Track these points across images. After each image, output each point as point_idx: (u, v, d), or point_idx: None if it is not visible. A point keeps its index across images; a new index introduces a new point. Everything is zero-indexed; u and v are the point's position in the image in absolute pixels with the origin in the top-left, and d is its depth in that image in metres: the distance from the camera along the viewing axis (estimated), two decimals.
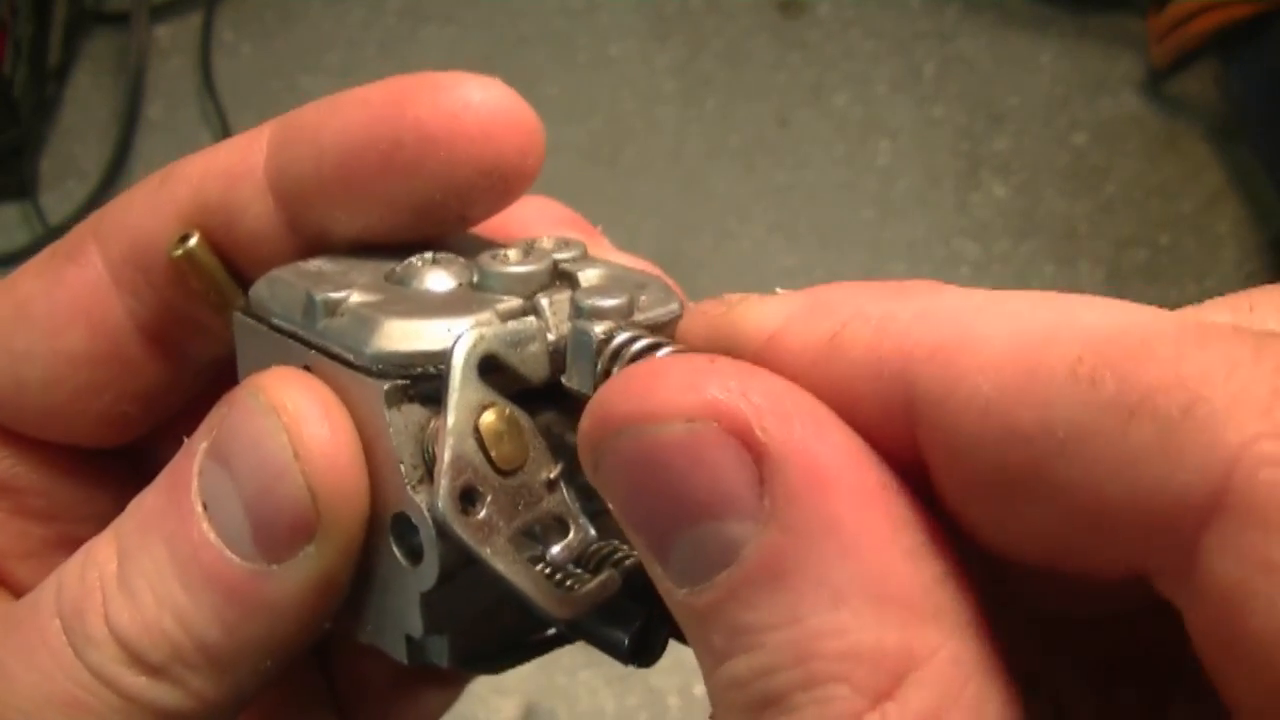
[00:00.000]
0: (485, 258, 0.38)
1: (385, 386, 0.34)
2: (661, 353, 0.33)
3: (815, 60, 1.38)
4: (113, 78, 1.36)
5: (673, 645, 0.36)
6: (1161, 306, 0.28)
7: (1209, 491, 0.23)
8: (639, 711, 1.05)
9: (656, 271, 0.40)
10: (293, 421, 0.34)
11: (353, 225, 0.39)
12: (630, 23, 1.40)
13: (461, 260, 0.39)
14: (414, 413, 0.35)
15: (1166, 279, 1.26)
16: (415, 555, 0.35)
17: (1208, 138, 1.33)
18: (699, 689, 1.06)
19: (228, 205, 0.39)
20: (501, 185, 0.38)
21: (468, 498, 0.34)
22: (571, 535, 0.36)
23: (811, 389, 0.28)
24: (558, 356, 0.36)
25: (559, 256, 0.38)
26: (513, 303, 0.36)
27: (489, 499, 0.34)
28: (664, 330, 0.36)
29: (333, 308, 0.36)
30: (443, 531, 0.34)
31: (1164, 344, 0.24)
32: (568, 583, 0.35)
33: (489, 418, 0.34)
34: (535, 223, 0.43)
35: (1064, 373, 0.25)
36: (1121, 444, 0.24)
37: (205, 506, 0.35)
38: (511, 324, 0.35)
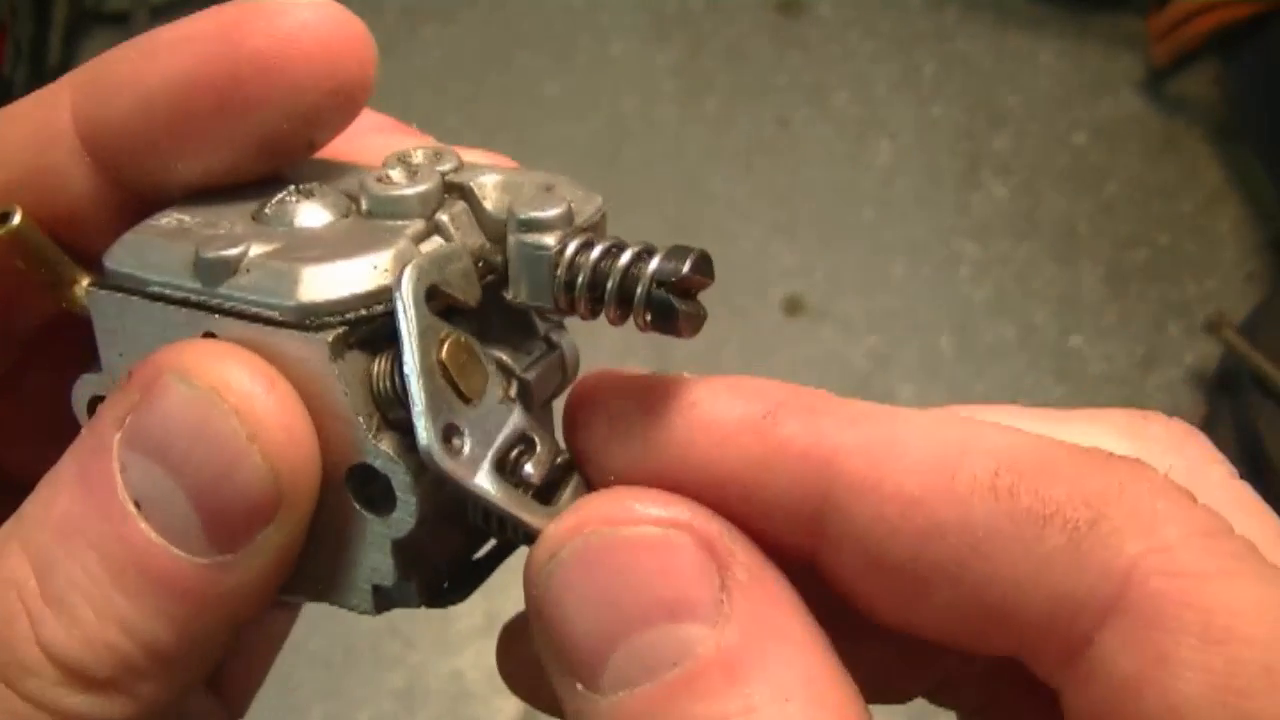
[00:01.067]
0: (370, 181, 0.36)
1: (329, 339, 0.33)
2: (624, 257, 0.33)
3: (815, 60, 1.38)
4: None
5: None
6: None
7: (1109, 594, 0.28)
8: None
9: (513, 164, 0.39)
10: (242, 402, 0.32)
11: (191, 172, 0.37)
12: (630, 23, 1.40)
13: (329, 189, 0.37)
14: (356, 360, 0.34)
15: (1166, 279, 1.26)
16: (377, 505, 0.34)
17: (1208, 138, 1.33)
18: None
19: (39, 175, 0.36)
20: (348, 103, 0.36)
21: (447, 435, 0.33)
22: (540, 450, 0.35)
23: (731, 461, 0.32)
24: (481, 272, 0.36)
25: (441, 169, 0.37)
26: (417, 225, 0.35)
27: (466, 432, 0.34)
28: (598, 228, 0.36)
29: (234, 265, 0.34)
30: (420, 475, 0.33)
31: (1064, 465, 0.29)
32: (548, 498, 0.35)
33: (447, 349, 0.33)
34: (363, 134, 0.41)
35: (985, 482, 0.29)
36: (1035, 548, 0.28)
37: (138, 505, 0.32)
38: (435, 249, 0.35)
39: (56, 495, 0.33)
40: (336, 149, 0.39)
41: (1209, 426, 1.18)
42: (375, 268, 0.33)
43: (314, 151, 0.38)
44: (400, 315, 0.33)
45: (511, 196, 0.36)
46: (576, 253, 0.34)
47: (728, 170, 1.32)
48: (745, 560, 0.31)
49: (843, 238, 1.28)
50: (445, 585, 0.38)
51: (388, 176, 0.36)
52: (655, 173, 1.31)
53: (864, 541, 0.30)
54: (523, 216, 0.34)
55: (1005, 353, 1.23)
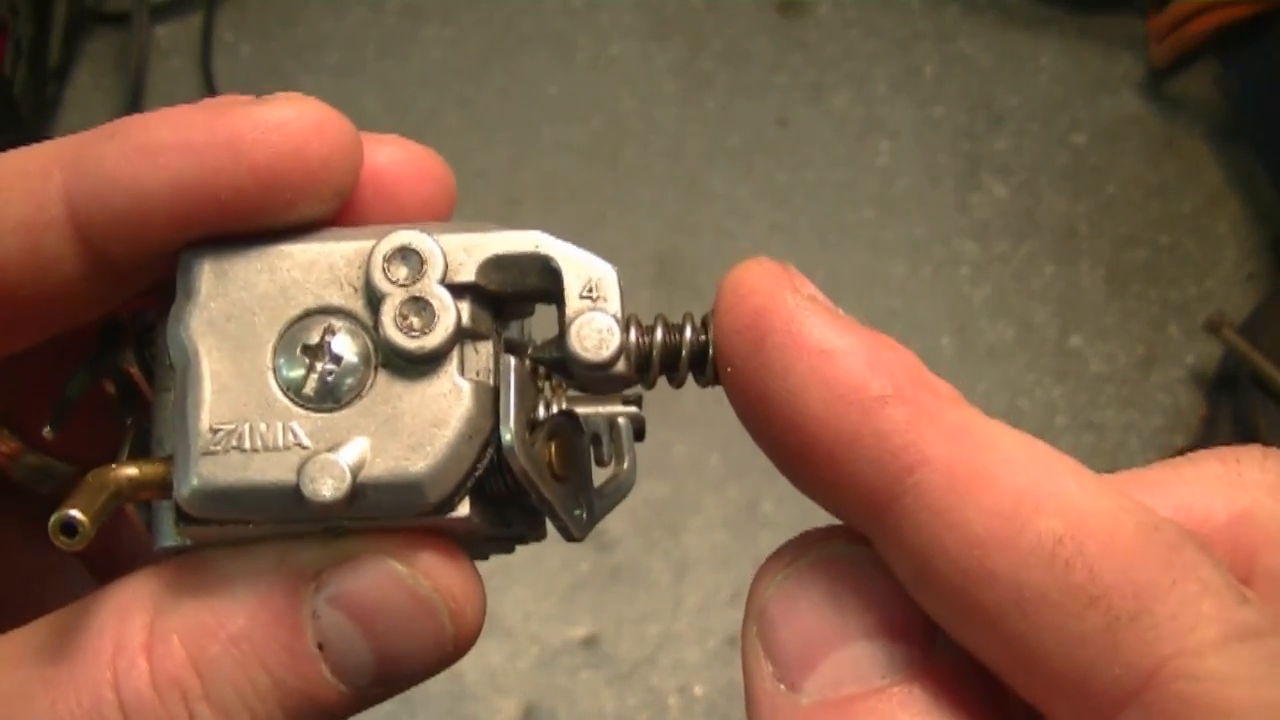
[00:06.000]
0: (390, 332, 0.35)
1: (466, 512, 0.35)
2: (683, 346, 0.37)
3: (815, 60, 1.38)
4: (113, 78, 1.36)
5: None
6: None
7: (1134, 685, 0.29)
8: (639, 712, 1.05)
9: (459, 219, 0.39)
10: (459, 610, 0.36)
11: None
12: (630, 23, 1.40)
13: (343, 337, 0.36)
14: (480, 495, 0.36)
15: (1166, 279, 1.26)
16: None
17: (1208, 138, 1.33)
18: (699, 689, 1.06)
19: (31, 257, 0.36)
20: (339, 204, 0.37)
21: (578, 511, 0.39)
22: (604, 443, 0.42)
23: (832, 422, 0.33)
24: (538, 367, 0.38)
25: (434, 279, 0.35)
26: (455, 359, 0.35)
27: (583, 500, 0.39)
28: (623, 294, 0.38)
29: (348, 498, 0.34)
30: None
31: (1126, 545, 0.30)
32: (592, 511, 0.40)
33: (555, 463, 0.37)
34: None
35: (1047, 547, 0.30)
36: (1075, 623, 0.29)
37: (321, 647, 0.36)
38: (507, 387, 0.35)
39: (231, 612, 0.36)
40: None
41: (1209, 427, 1.18)
42: (471, 438, 0.35)
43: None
44: (522, 477, 0.35)
45: (512, 278, 0.36)
46: (638, 368, 0.37)
47: (728, 170, 1.32)
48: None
49: (843, 238, 1.28)
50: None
51: (401, 318, 0.35)
52: (655, 173, 1.31)
53: (917, 553, 0.31)
54: (590, 361, 0.36)
55: (1005, 353, 1.23)
